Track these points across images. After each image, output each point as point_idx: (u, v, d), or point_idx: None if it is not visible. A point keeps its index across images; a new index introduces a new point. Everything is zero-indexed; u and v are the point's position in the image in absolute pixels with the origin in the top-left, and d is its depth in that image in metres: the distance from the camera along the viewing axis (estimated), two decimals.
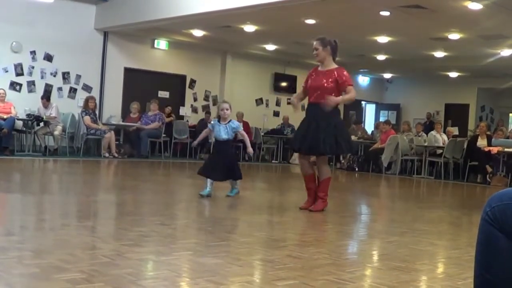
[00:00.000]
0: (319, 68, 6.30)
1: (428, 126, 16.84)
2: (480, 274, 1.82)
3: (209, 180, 6.93)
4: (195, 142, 8.19)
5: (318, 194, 6.26)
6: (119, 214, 5.62)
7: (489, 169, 12.54)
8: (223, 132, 7.02)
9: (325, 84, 6.11)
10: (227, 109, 7.06)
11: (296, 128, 17.85)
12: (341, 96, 6.12)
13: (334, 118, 6.15)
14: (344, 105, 20.54)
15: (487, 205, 1.80)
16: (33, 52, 13.67)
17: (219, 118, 7.22)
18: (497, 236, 1.75)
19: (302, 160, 6.43)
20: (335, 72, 6.14)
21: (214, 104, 17.42)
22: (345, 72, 6.20)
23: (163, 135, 14.62)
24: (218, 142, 7.20)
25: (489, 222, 1.77)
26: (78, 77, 14.48)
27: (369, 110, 22.91)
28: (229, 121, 7.08)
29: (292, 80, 19.05)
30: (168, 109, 15.54)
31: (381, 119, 20.13)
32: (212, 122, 7.46)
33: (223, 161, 7.02)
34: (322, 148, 6.04)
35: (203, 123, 15.56)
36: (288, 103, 6.64)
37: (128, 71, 15.52)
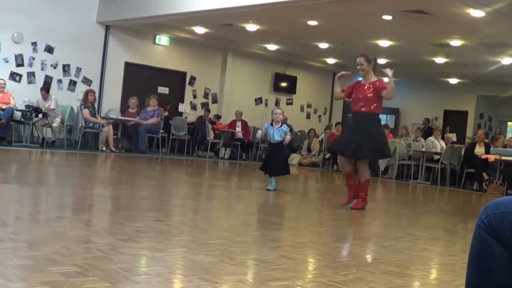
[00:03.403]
0: (362, 81, 7.00)
1: (427, 132, 16.85)
2: (472, 281, 1.82)
3: (273, 177, 8.03)
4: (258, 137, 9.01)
5: (359, 194, 6.97)
6: (115, 209, 5.62)
7: (486, 177, 12.56)
8: (276, 135, 8.05)
9: (368, 95, 6.82)
10: (280, 114, 8.12)
11: (294, 128, 17.93)
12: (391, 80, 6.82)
13: (376, 126, 6.94)
14: (343, 108, 20.64)
15: (483, 212, 1.80)
16: (34, 43, 13.65)
17: (272, 121, 8.22)
18: (491, 243, 1.75)
19: (343, 160, 7.16)
20: (377, 83, 6.87)
21: (213, 102, 17.43)
22: (383, 80, 6.98)
23: (161, 131, 14.61)
24: (272, 144, 8.25)
25: (484, 230, 1.77)
26: (79, 69, 14.47)
27: None
28: (281, 125, 8.11)
29: (292, 80, 19.06)
30: (167, 107, 15.53)
31: None
32: (265, 125, 8.37)
33: (280, 160, 8.12)
34: (364, 152, 6.81)
35: (201, 120, 15.57)
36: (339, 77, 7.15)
37: (128, 66, 15.50)
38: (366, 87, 6.85)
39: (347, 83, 7.58)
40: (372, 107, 6.81)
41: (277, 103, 18.95)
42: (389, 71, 6.78)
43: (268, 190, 7.96)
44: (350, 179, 7.09)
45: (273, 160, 8.12)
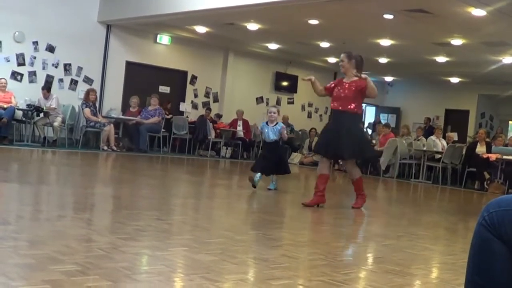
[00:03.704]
0: (344, 80, 6.80)
1: (428, 131, 16.84)
2: (472, 280, 1.82)
3: (271, 176, 8.02)
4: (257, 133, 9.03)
5: (356, 192, 6.94)
6: (116, 208, 5.62)
7: (487, 176, 12.55)
8: (271, 134, 7.93)
9: (349, 94, 6.62)
10: (274, 113, 8.03)
11: (295, 127, 17.91)
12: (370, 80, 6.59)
13: (356, 125, 6.81)
14: None
15: (484, 210, 1.80)
16: (35, 43, 13.66)
17: (267, 121, 8.07)
18: (492, 241, 1.75)
19: (324, 162, 6.88)
20: (358, 82, 6.61)
21: (214, 101, 17.43)
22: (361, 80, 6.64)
23: (162, 130, 14.61)
24: (268, 143, 8.09)
25: (486, 227, 1.77)
26: (80, 69, 14.47)
27: (369, 113, 22.92)
28: (275, 124, 7.98)
29: (293, 79, 19.04)
30: (168, 106, 15.52)
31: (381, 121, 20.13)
32: (261, 124, 8.30)
33: (278, 160, 8.03)
34: (346, 153, 6.68)
35: (202, 120, 15.57)
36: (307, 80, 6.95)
37: (129, 65, 15.50)
38: (347, 85, 6.67)
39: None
40: (352, 106, 6.61)
41: (278, 102, 18.95)
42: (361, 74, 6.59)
43: (269, 189, 7.94)
44: (321, 182, 6.68)
45: (268, 159, 8.02)
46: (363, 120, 7.14)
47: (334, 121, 6.88)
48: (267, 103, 18.62)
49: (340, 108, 6.64)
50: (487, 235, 1.76)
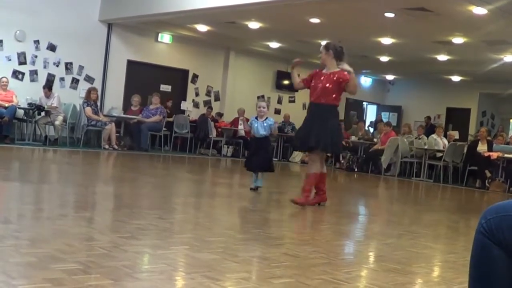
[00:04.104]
0: (324, 71, 6.53)
1: (429, 129, 16.83)
2: (474, 287, 1.82)
3: (254, 174, 7.50)
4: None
5: (303, 189, 6.51)
6: (117, 206, 5.62)
7: (488, 174, 12.55)
8: (261, 129, 7.51)
9: (326, 85, 6.38)
10: (264, 107, 7.64)
11: (297, 126, 17.91)
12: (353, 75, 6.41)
13: (332, 119, 6.46)
14: (345, 105, 20.64)
15: (482, 217, 1.81)
16: (36, 42, 13.66)
17: (257, 115, 7.67)
18: (491, 248, 1.75)
19: (313, 158, 6.66)
20: (336, 74, 6.40)
21: (216, 100, 17.44)
22: (345, 72, 6.43)
23: (164, 128, 14.61)
24: (257, 139, 7.69)
25: (484, 235, 1.77)
26: (81, 68, 14.48)
27: (371, 111, 22.92)
28: (265, 118, 7.56)
29: None
30: (169, 103, 15.50)
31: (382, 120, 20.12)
32: (251, 119, 7.90)
33: (264, 155, 7.60)
34: (314, 144, 6.35)
35: (204, 118, 15.57)
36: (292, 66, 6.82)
37: (131, 64, 15.51)
38: (324, 77, 6.41)
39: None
40: (330, 98, 6.35)
41: (279, 101, 18.96)
42: (346, 66, 6.41)
43: (251, 189, 7.47)
44: (320, 181, 6.58)
45: (257, 155, 7.64)
46: (338, 112, 6.79)
47: (310, 113, 6.62)
48: (269, 102, 18.62)
49: (316, 100, 6.43)
50: (486, 241, 1.77)
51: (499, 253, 1.74)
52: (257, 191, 7.42)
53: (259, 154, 7.61)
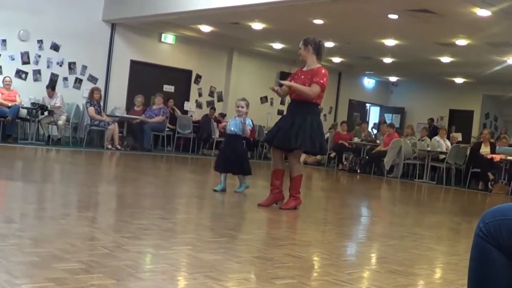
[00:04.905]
0: (304, 68, 6.33)
1: (433, 131, 16.83)
2: None
3: (222, 175, 7.05)
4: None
5: (290, 192, 6.18)
6: (120, 206, 5.63)
7: (491, 177, 12.53)
8: (232, 125, 7.07)
9: (305, 82, 6.10)
10: (242, 107, 7.07)
11: None
12: (297, 84, 6.08)
13: (310, 116, 6.08)
14: (348, 107, 20.63)
15: (480, 221, 1.81)
16: (40, 41, 13.68)
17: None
18: (491, 250, 1.76)
19: (275, 154, 6.36)
20: (314, 70, 6.15)
21: (219, 100, 17.45)
22: (322, 71, 6.16)
23: (167, 129, 14.62)
24: (227, 136, 7.24)
25: (483, 238, 1.78)
26: (84, 67, 14.50)
27: (374, 113, 22.91)
28: (243, 118, 7.07)
29: None
30: (170, 102, 15.46)
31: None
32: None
33: (231, 155, 7.04)
34: (294, 142, 5.97)
35: (207, 119, 15.57)
36: (272, 89, 6.55)
37: (134, 64, 15.53)
38: (303, 74, 6.19)
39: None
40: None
41: (282, 102, 18.93)
42: (286, 83, 6.19)
43: (215, 190, 7.01)
44: (276, 178, 6.27)
45: (226, 154, 7.14)
46: (319, 111, 6.46)
47: (288, 111, 6.35)
48: (272, 103, 18.65)
49: (296, 97, 6.14)
50: (485, 245, 1.77)
51: (498, 256, 1.74)
52: (219, 192, 6.99)
53: (227, 154, 7.11)
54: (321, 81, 6.07)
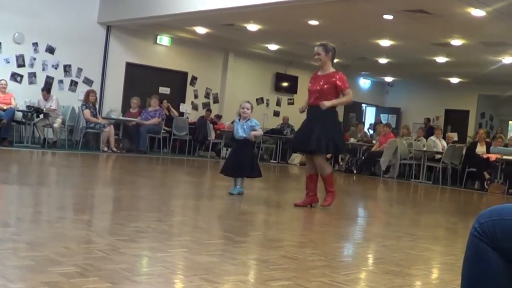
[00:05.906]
0: (319, 73, 6.61)
1: (428, 131, 16.84)
2: None
3: (239, 178, 7.19)
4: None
5: (325, 189, 6.69)
6: (116, 209, 5.62)
7: (487, 176, 12.55)
8: (240, 130, 7.13)
9: (325, 87, 6.44)
10: (247, 109, 7.15)
11: (295, 128, 17.93)
12: (337, 99, 6.50)
13: (330, 120, 6.50)
14: (344, 107, 20.64)
15: (476, 221, 1.82)
16: (35, 44, 13.66)
17: (240, 116, 7.27)
18: (486, 249, 1.76)
19: (308, 160, 6.81)
20: (335, 76, 6.46)
21: (214, 102, 17.44)
22: (342, 76, 6.52)
23: (163, 131, 14.61)
24: (236, 141, 7.33)
25: (478, 237, 1.78)
26: (80, 70, 14.48)
27: (369, 113, 22.92)
28: (247, 120, 7.14)
29: (294, 80, 19.05)
30: (165, 103, 15.42)
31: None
32: (235, 119, 7.58)
33: (241, 159, 7.12)
34: (316, 147, 6.40)
35: (202, 121, 15.57)
36: (301, 112, 6.84)
37: (129, 66, 15.52)
38: (322, 79, 6.47)
39: None
40: (327, 100, 6.35)
41: (278, 103, 18.97)
42: (328, 103, 6.35)
43: (230, 194, 7.10)
44: (311, 182, 6.68)
45: (235, 159, 7.17)
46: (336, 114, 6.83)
47: (308, 116, 6.65)
48: (268, 104, 18.65)
49: (314, 102, 6.44)
50: (480, 244, 1.77)
51: (493, 255, 1.75)
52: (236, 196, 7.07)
53: (237, 159, 7.15)
54: (347, 85, 6.53)
